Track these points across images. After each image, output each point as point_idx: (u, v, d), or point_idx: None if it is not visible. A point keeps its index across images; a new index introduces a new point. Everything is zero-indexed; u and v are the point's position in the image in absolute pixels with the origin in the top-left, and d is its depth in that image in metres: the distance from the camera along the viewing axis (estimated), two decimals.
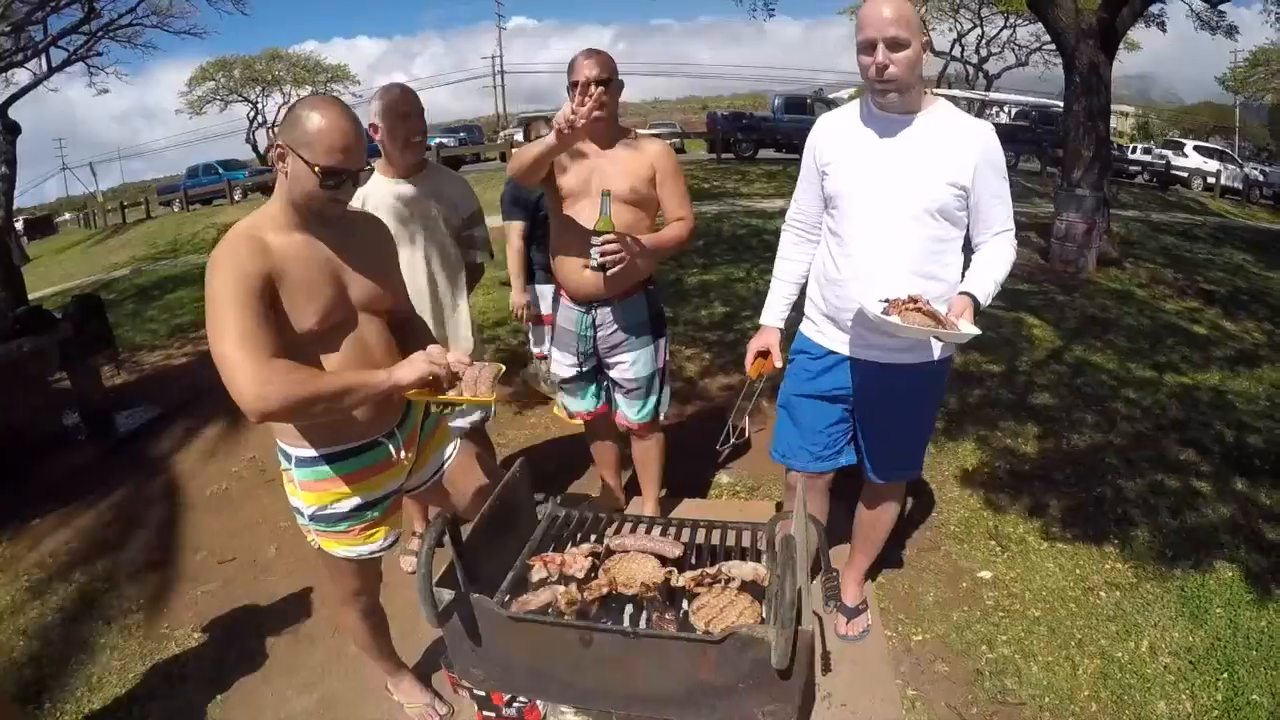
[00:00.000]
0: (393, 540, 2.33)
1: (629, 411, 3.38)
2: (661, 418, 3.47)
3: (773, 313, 2.80)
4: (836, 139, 2.46)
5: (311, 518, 2.14)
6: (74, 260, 24.60)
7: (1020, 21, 32.46)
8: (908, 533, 3.71)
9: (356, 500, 2.14)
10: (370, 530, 2.22)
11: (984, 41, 38.27)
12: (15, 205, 14.42)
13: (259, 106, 46.46)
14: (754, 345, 2.79)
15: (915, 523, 3.84)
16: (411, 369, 1.91)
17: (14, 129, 14.26)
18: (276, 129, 1.90)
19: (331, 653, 3.25)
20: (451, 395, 1.98)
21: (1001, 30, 36.85)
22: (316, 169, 1.80)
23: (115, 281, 16.34)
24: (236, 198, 27.65)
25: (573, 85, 2.84)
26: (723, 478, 4.30)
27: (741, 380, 4.30)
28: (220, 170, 31.78)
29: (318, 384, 1.75)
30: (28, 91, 15.04)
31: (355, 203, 2.82)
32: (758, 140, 22.92)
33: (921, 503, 4.03)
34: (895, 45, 2.14)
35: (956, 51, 38.95)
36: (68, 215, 47.10)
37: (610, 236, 2.75)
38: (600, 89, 2.76)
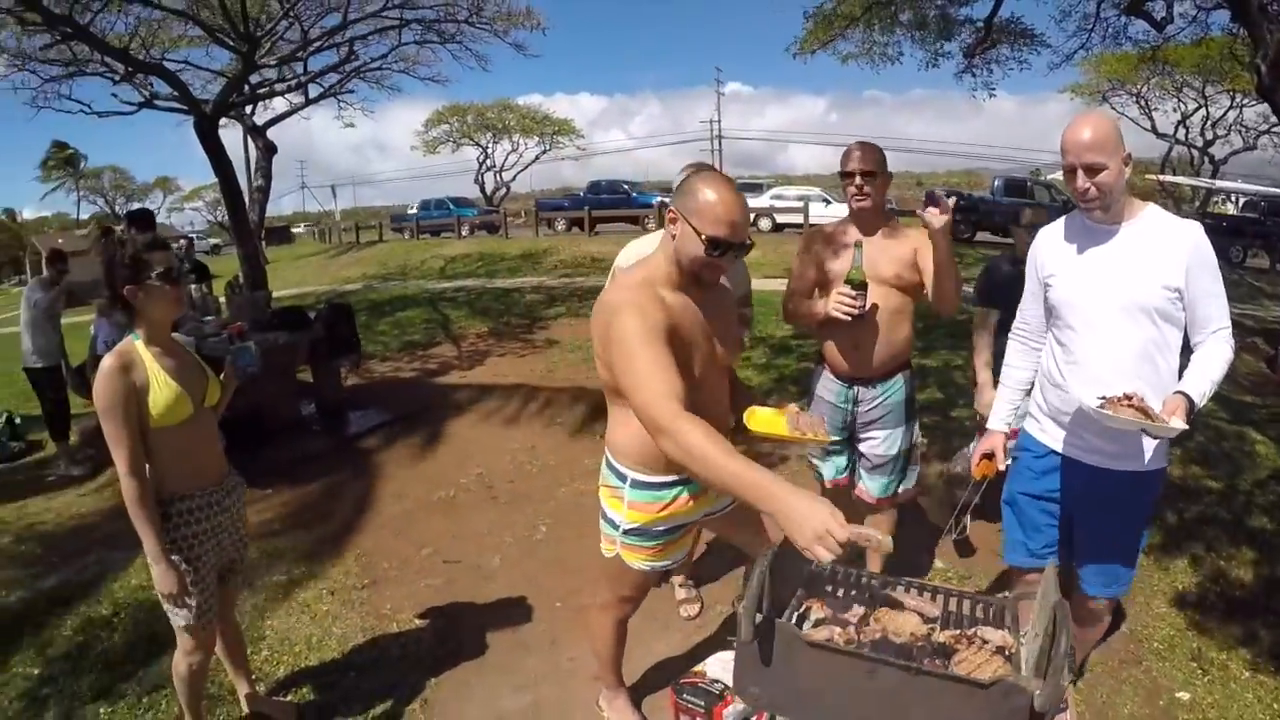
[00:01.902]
0: (680, 558, 2.63)
1: (871, 486, 3.55)
2: (900, 496, 3.62)
3: (999, 418, 2.93)
4: (1055, 252, 2.63)
5: (626, 532, 2.43)
6: (309, 269, 27.58)
7: (1247, 101, 30.41)
8: (1112, 643, 3.71)
9: (673, 522, 2.42)
10: (670, 549, 2.50)
11: (1209, 124, 36.10)
12: None
13: (488, 151, 49.66)
14: (980, 448, 2.94)
15: (1120, 633, 3.84)
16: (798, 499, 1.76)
17: (272, 148, 16.12)
18: (670, 195, 2.18)
19: (546, 662, 3.51)
20: (794, 434, 2.21)
21: (1228, 111, 34.59)
22: (704, 237, 2.05)
23: (348, 294, 18.05)
24: (464, 233, 29.94)
25: (845, 175, 3.19)
26: (937, 562, 4.41)
27: (954, 473, 4.45)
28: (451, 206, 34.58)
29: (723, 462, 1.77)
30: (285, 118, 16.85)
31: (638, 253, 3.23)
32: (975, 222, 22.44)
33: (1128, 614, 4.01)
34: (1093, 170, 2.32)
35: (1180, 134, 36.89)
36: (302, 228, 52.05)
37: (849, 292, 3.05)
38: (866, 183, 3.12)
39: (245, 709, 3.22)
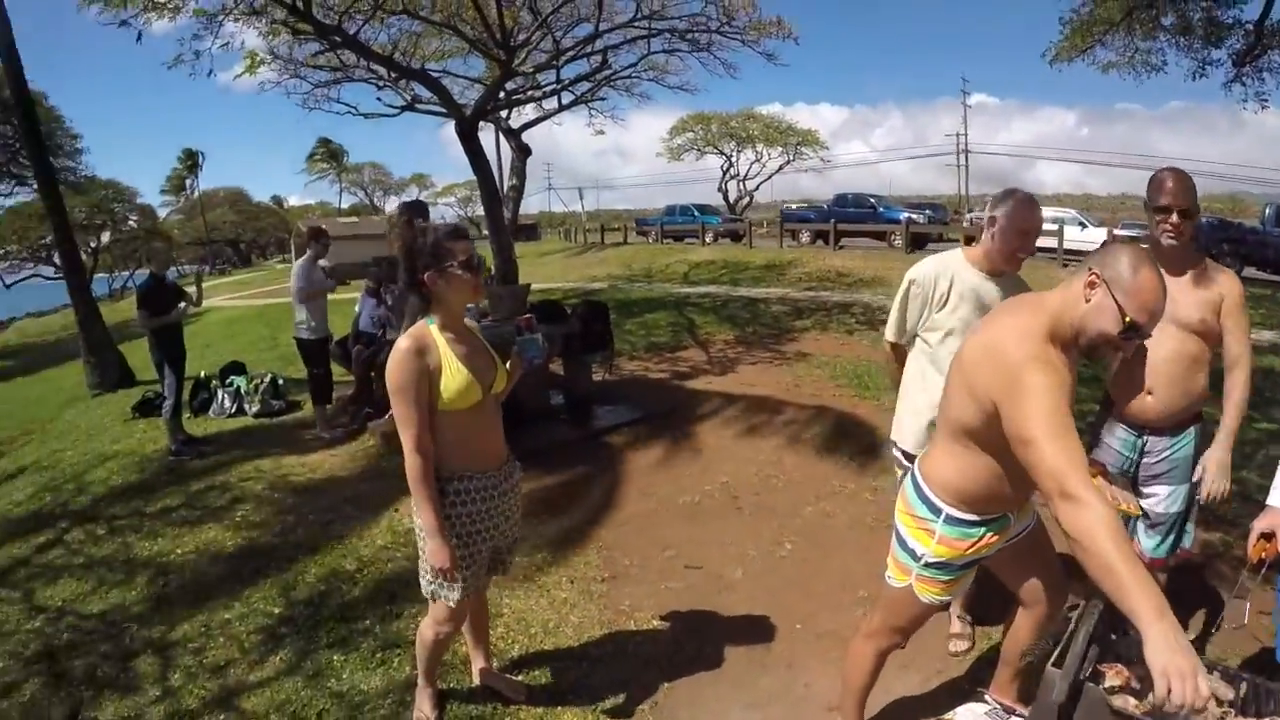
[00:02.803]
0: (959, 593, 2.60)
1: (1147, 543, 3.29)
2: (1176, 556, 3.36)
3: (1278, 494, 2.64)
4: None
5: (926, 564, 2.43)
6: (554, 266, 29.01)
7: None
8: None
9: (972, 558, 2.42)
10: (960, 584, 2.53)
11: None
12: None
13: (732, 159, 50.46)
14: (1257, 526, 2.62)
15: None
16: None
17: (526, 150, 17.01)
18: (1096, 258, 2.10)
19: (781, 684, 3.44)
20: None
21: None
22: (1127, 319, 1.99)
23: (593, 292, 18.85)
24: (707, 240, 30.55)
25: (1157, 210, 2.96)
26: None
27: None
28: (695, 213, 35.22)
29: (1119, 558, 1.70)
30: (538, 123, 17.75)
31: (936, 270, 3.21)
32: (1243, 255, 20.14)
33: None
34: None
35: None
36: (547, 226, 55.43)
37: None
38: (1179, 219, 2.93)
39: (476, 681, 3.39)
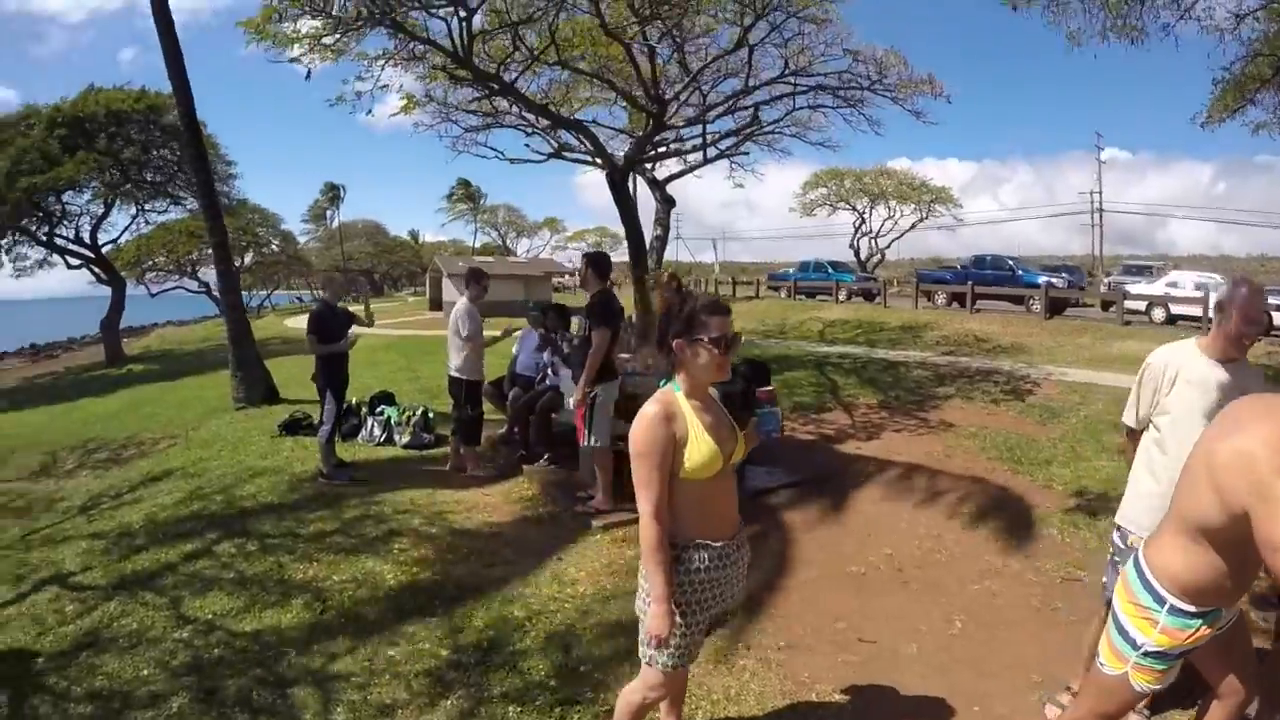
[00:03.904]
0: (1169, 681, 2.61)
1: None
2: None
3: None
4: None
5: (1145, 653, 2.45)
6: None
7: None
8: None
9: (1187, 648, 2.45)
10: (1173, 673, 2.53)
11: None
12: None
13: (864, 216, 50.39)
14: None
15: None
16: None
17: (670, 201, 17.34)
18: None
19: None
20: None
21: None
22: None
23: None
24: (841, 297, 30.42)
25: None
26: None
27: None
28: (830, 270, 35.19)
29: None
30: (683, 175, 18.15)
31: (1167, 357, 3.34)
32: None
33: None
34: None
35: None
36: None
37: None
38: None
39: None
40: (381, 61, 11.51)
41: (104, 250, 33.00)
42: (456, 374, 7.72)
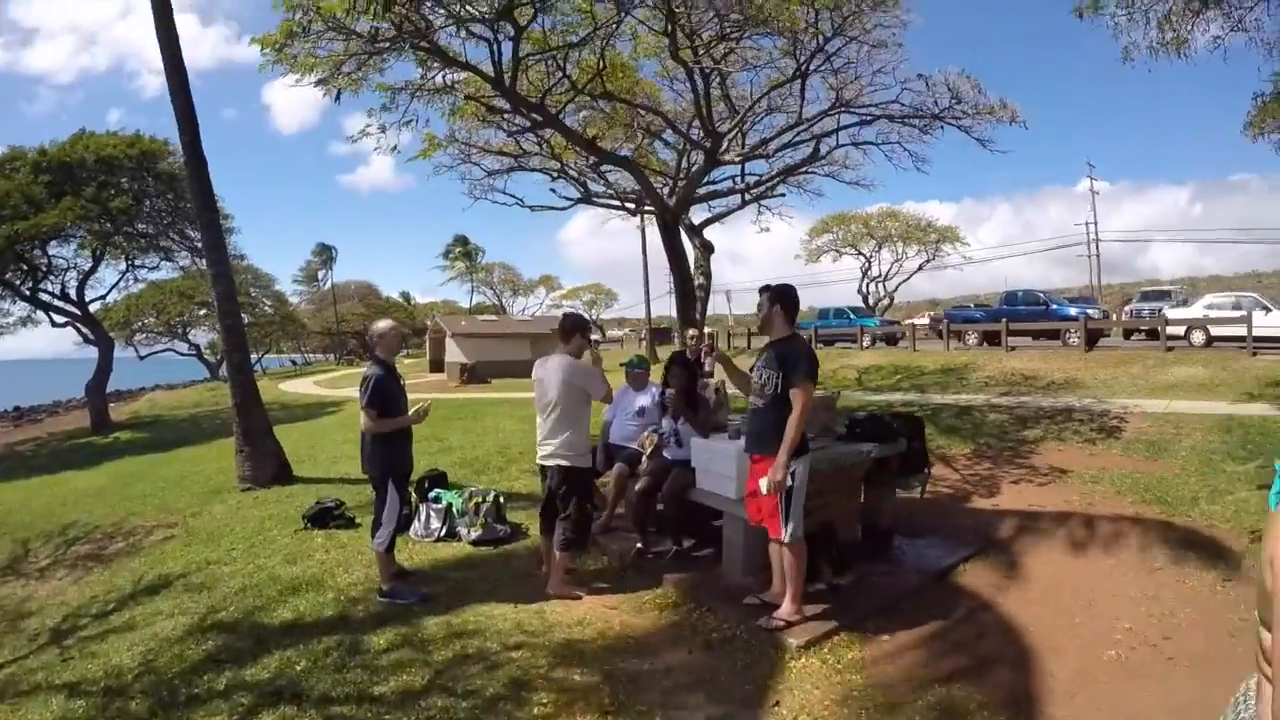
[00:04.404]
0: None
1: None
2: None
3: None
4: None
5: None
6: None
7: None
8: None
9: None
10: None
11: None
12: None
13: (870, 260, 50.10)
14: None
15: None
16: None
17: (709, 247, 16.62)
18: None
19: None
20: None
21: None
22: None
23: None
24: (865, 343, 29.45)
25: None
26: None
27: None
28: (851, 315, 34.54)
29: None
30: (721, 219, 17.57)
31: None
32: None
33: None
34: None
35: None
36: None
37: None
38: None
39: None
40: (408, 93, 10.57)
41: (91, 308, 31.25)
42: (562, 460, 5.64)
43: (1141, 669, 4.50)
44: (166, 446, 19.42)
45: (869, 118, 12.78)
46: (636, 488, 6.44)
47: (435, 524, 7.42)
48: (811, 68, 11.78)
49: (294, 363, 64.97)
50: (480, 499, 7.47)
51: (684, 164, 15.71)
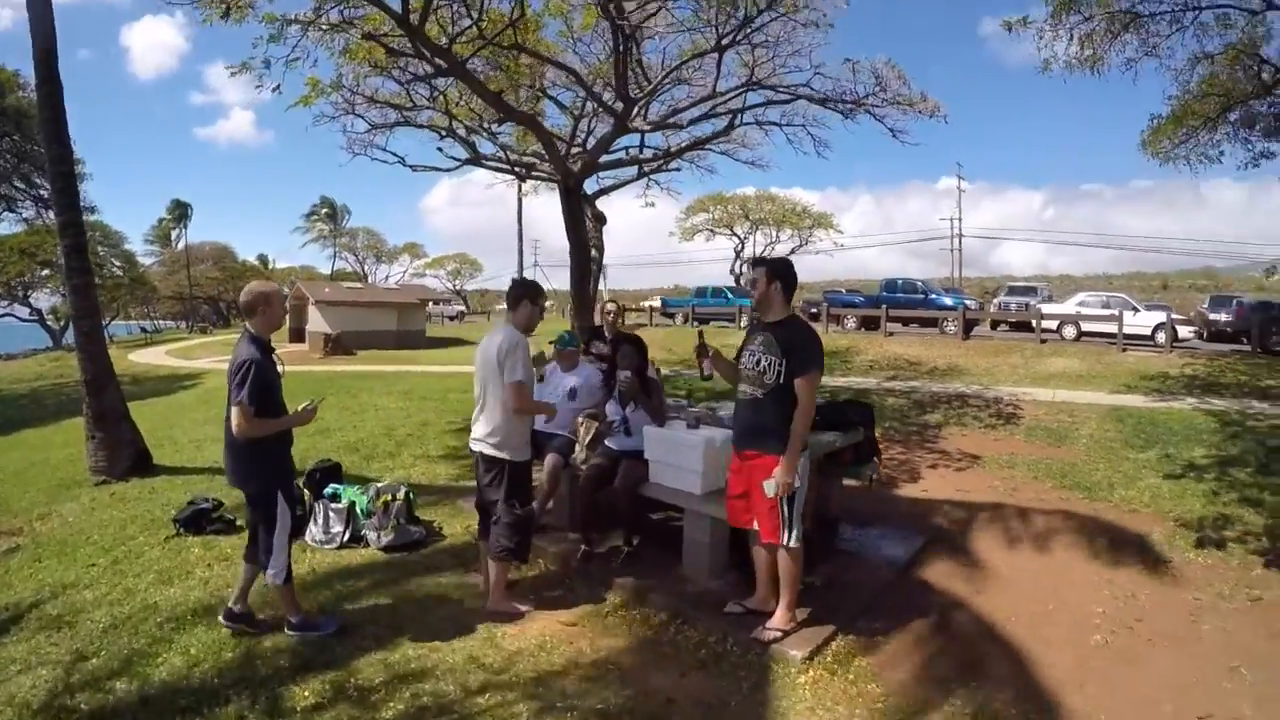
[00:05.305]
0: None
1: None
2: None
3: None
4: None
5: None
6: None
7: None
8: None
9: None
10: None
11: None
12: None
13: (744, 241, 50.38)
14: None
15: None
16: None
17: (602, 219, 16.21)
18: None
19: None
20: None
21: None
22: None
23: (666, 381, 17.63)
24: (742, 323, 29.50)
25: None
26: None
27: None
28: (729, 295, 34.64)
29: None
30: (613, 191, 17.16)
31: None
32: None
33: None
34: None
35: None
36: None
37: None
38: None
39: None
40: (299, 26, 9.49)
41: None
42: (494, 450, 4.84)
43: (1128, 652, 4.57)
44: (4, 429, 16.53)
45: (789, 98, 12.60)
46: (580, 482, 5.75)
47: (336, 527, 6.24)
48: (736, 39, 11.50)
49: (144, 330, 58.34)
50: (389, 496, 6.36)
51: (579, 130, 15.30)
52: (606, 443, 5.85)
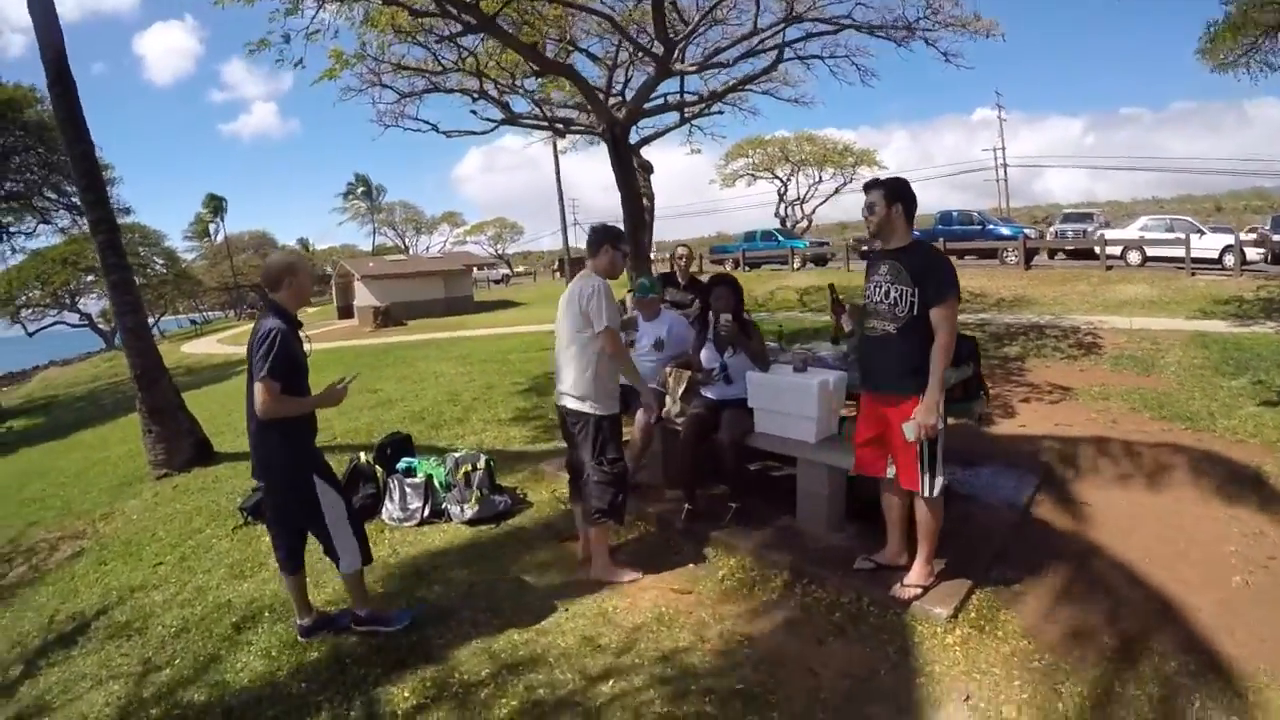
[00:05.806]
0: None
1: None
2: None
3: None
4: None
5: None
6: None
7: None
8: None
9: None
10: None
11: None
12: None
13: (787, 184, 50.01)
14: None
15: None
16: None
17: (649, 167, 15.95)
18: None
19: None
20: None
21: None
22: None
23: None
24: (796, 265, 29.55)
25: None
26: None
27: None
28: (780, 238, 34.34)
29: None
30: (655, 139, 16.78)
31: None
32: None
33: None
34: None
35: None
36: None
37: None
38: None
39: None
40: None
41: None
42: (578, 404, 4.56)
43: (1272, 593, 4.18)
44: (65, 432, 16.67)
45: (834, 29, 12.17)
46: (682, 435, 5.40)
47: (415, 503, 5.99)
48: None
49: (194, 323, 58.77)
50: (469, 466, 6.06)
51: (614, 80, 14.95)
52: (703, 392, 5.51)
